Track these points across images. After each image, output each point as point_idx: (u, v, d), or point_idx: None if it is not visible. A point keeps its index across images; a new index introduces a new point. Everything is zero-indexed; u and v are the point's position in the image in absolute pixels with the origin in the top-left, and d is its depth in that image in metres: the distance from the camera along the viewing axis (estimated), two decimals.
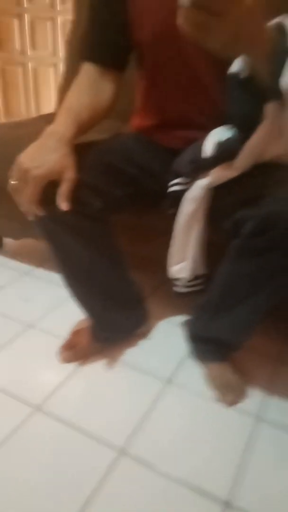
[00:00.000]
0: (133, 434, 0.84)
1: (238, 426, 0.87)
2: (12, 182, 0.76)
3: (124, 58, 0.89)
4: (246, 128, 0.81)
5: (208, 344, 0.98)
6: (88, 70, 0.87)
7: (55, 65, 2.81)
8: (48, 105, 2.86)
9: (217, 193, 0.84)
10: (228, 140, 0.81)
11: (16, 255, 1.53)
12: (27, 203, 0.75)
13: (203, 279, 1.00)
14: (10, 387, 0.94)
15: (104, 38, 0.87)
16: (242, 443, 0.84)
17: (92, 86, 0.85)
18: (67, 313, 1.19)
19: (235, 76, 0.80)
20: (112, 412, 0.89)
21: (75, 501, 0.71)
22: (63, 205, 0.74)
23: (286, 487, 0.76)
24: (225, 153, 0.80)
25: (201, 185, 0.83)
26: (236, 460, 0.80)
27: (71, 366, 1.01)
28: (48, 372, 0.99)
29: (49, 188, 0.74)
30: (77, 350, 1.04)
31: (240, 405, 0.93)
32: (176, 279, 0.99)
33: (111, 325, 1.02)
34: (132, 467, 0.78)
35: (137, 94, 0.98)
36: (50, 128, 0.79)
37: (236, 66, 0.83)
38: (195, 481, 0.76)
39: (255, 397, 0.95)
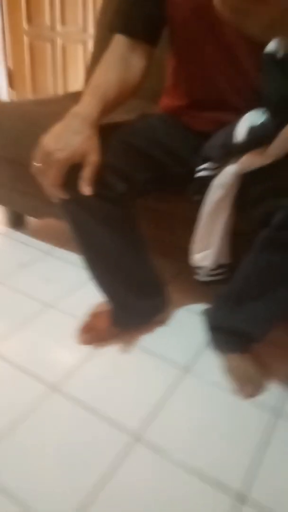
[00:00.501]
0: (148, 420, 0.84)
1: (254, 419, 0.86)
2: (35, 165, 0.74)
3: (157, 32, 0.85)
4: (282, 112, 0.77)
5: (228, 335, 0.96)
6: (118, 43, 0.83)
7: (84, 43, 2.75)
8: (76, 83, 2.82)
9: (246, 181, 0.81)
10: (262, 124, 0.77)
11: (38, 234, 1.53)
12: (50, 186, 0.73)
13: (226, 269, 0.97)
14: (28, 365, 0.95)
15: (138, 10, 0.83)
16: (258, 436, 0.82)
17: (122, 61, 0.82)
18: (86, 295, 1.19)
19: (271, 55, 0.76)
20: (127, 396, 0.89)
21: (88, 482, 0.72)
22: (86, 189, 0.72)
23: None
24: (258, 138, 0.76)
25: (230, 171, 0.80)
26: (251, 452, 0.79)
27: (89, 348, 1.01)
28: (66, 353, 1.00)
29: (72, 171, 0.72)
30: (95, 333, 1.04)
31: (258, 398, 0.91)
32: (199, 267, 0.97)
33: (130, 310, 1.01)
34: (146, 453, 0.77)
35: (168, 73, 0.95)
36: (75, 109, 0.77)
37: (272, 45, 0.78)
38: (209, 471, 0.75)
39: (273, 391, 0.93)
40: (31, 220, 1.61)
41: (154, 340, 1.06)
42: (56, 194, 0.75)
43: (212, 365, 0.99)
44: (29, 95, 2.99)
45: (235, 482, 0.74)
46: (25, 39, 2.90)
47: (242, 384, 0.92)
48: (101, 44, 1.41)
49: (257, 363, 0.97)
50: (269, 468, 0.76)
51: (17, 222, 1.57)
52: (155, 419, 0.84)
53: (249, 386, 0.92)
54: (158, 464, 0.76)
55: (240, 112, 0.80)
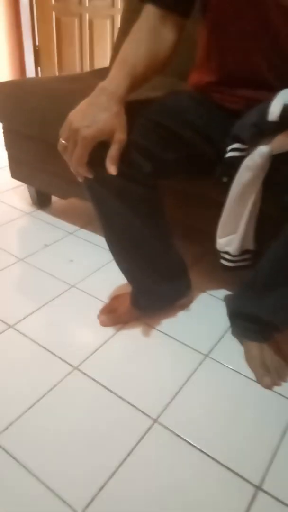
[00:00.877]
0: (167, 404, 0.84)
1: (274, 409, 0.84)
2: (61, 142, 0.73)
3: (189, 2, 0.80)
4: None
5: (250, 322, 0.94)
6: (148, 14, 0.79)
7: (112, 18, 2.68)
8: (103, 60, 2.76)
9: (278, 163, 0.77)
10: None
11: (62, 214, 1.53)
12: (76, 164, 0.72)
13: (252, 255, 0.94)
14: (50, 345, 0.96)
15: None
16: (277, 427, 0.81)
17: (152, 33, 0.78)
18: (109, 276, 1.19)
19: None
20: (146, 380, 0.89)
21: (106, 464, 0.73)
22: (112, 168, 0.70)
23: None
24: None
25: (262, 152, 0.76)
26: (270, 443, 0.78)
27: (110, 330, 1.02)
28: (87, 334, 1.00)
29: (98, 150, 0.70)
30: (116, 315, 1.03)
31: (278, 388, 0.89)
32: (224, 252, 0.95)
33: (152, 293, 1.00)
34: (164, 438, 0.77)
35: (198, 47, 0.90)
36: (102, 84, 0.74)
37: None
38: (224, 457, 0.74)
39: None
40: (56, 200, 1.61)
41: (175, 324, 1.05)
42: (81, 172, 0.73)
43: (233, 352, 0.97)
44: (55, 72, 2.96)
45: (250, 470, 0.73)
46: (53, 15, 2.85)
47: (262, 373, 0.91)
48: (129, 18, 1.36)
49: (278, 352, 0.95)
50: (285, 458, 0.75)
51: (42, 202, 1.58)
52: (174, 403, 0.84)
53: (269, 376, 0.90)
54: (176, 448, 0.76)
55: (274, 90, 0.75)
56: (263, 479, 0.72)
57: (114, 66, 0.76)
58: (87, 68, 2.85)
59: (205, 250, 1.28)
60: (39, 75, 3.03)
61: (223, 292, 1.16)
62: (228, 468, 0.73)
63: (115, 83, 0.73)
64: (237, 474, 0.72)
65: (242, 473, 0.72)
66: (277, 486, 0.71)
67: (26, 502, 0.66)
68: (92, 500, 0.67)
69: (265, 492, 0.70)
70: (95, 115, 0.69)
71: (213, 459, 0.74)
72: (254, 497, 0.69)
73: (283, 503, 0.68)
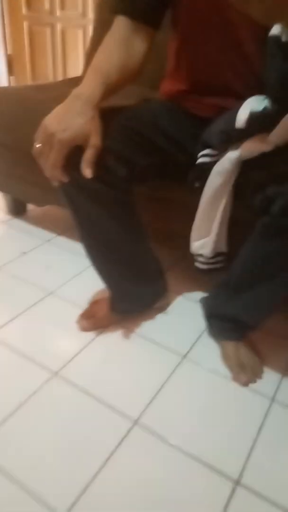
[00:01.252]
0: (147, 405, 0.85)
1: (250, 406, 0.87)
2: (36, 146, 0.74)
3: (159, 14, 0.83)
4: (283, 99, 0.76)
5: (225, 323, 0.97)
6: (120, 25, 0.81)
7: (84, 27, 2.71)
8: (76, 69, 2.78)
9: (246, 167, 0.81)
10: (263, 111, 0.77)
11: (39, 222, 1.53)
12: (51, 168, 0.73)
13: (225, 257, 0.97)
14: (29, 351, 0.96)
15: None
16: (253, 423, 0.83)
17: (123, 43, 0.80)
18: (87, 282, 1.19)
19: (276, 38, 0.75)
20: (126, 382, 0.90)
21: (87, 465, 0.73)
22: (87, 172, 0.72)
23: None
24: (259, 125, 0.76)
25: (231, 158, 0.79)
26: (247, 439, 0.80)
27: (89, 335, 1.02)
28: (66, 340, 1.01)
29: (73, 154, 0.72)
30: (95, 320, 1.04)
31: (254, 386, 0.92)
32: (198, 255, 0.97)
33: (129, 297, 1.02)
34: (144, 438, 0.78)
35: (169, 57, 0.93)
36: (77, 90, 0.76)
37: (277, 29, 0.78)
38: (204, 455, 0.76)
39: (270, 379, 0.94)
40: (32, 208, 1.61)
41: (153, 327, 1.07)
42: (56, 176, 0.75)
43: (210, 352, 1.00)
44: (28, 81, 2.95)
45: (228, 466, 0.75)
46: (25, 25, 2.86)
47: (237, 371, 0.93)
48: (101, 28, 1.39)
49: (255, 351, 0.98)
50: (265, 455, 0.77)
51: (17, 209, 1.57)
52: (154, 404, 0.85)
53: (244, 374, 0.93)
54: (156, 448, 0.77)
55: (241, 98, 0.79)
56: (241, 474, 0.74)
57: (88, 73, 0.79)
58: (60, 77, 2.87)
59: (180, 254, 1.31)
60: (12, 84, 3.02)
61: (199, 294, 1.19)
62: (208, 465, 0.75)
63: (89, 90, 0.74)
64: (216, 470, 0.74)
65: (221, 469, 0.74)
66: (255, 480, 0.73)
67: (8, 507, 0.66)
68: (75, 502, 0.67)
69: (244, 486, 0.72)
70: (71, 120, 0.71)
71: (193, 456, 0.76)
72: (233, 492, 0.71)
73: (261, 496, 0.71)
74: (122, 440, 0.78)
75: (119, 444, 0.77)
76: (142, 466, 0.74)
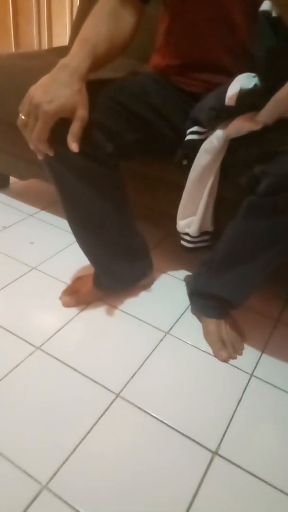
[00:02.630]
0: (129, 379, 0.86)
1: (230, 381, 0.90)
2: (21, 117, 0.72)
3: None
4: (272, 77, 0.76)
5: (208, 300, 0.98)
6: None
7: None
8: (62, 38, 2.68)
9: (234, 146, 0.80)
10: (253, 88, 0.76)
11: (22, 196, 1.50)
12: (36, 141, 0.71)
13: (211, 236, 0.98)
14: (12, 326, 0.95)
15: None
16: (233, 397, 0.86)
17: (112, 15, 0.78)
18: (71, 258, 1.19)
19: (266, 13, 0.74)
20: (110, 357, 0.91)
21: (69, 437, 0.74)
22: (73, 145, 0.70)
23: (269, 439, 0.79)
24: (248, 102, 0.75)
25: (219, 135, 0.79)
26: (226, 412, 0.83)
27: (72, 311, 1.02)
28: (49, 315, 1.01)
29: (59, 127, 0.70)
30: (78, 296, 1.04)
31: (234, 362, 0.94)
32: (184, 233, 0.98)
33: (114, 274, 1.02)
34: (126, 410, 0.80)
35: (159, 32, 0.91)
36: (64, 60, 0.73)
37: (267, 5, 0.76)
38: (183, 426, 0.79)
39: (250, 355, 0.96)
40: (15, 181, 1.57)
41: (137, 304, 1.07)
42: (41, 150, 0.73)
43: (192, 329, 1.01)
44: (11, 48, 2.84)
45: (207, 437, 0.77)
46: None
47: (218, 348, 0.95)
48: None
49: (234, 328, 1.00)
50: (240, 425, 0.80)
51: (0, 182, 1.53)
52: (136, 378, 0.87)
53: (225, 350, 0.95)
54: (137, 420, 0.79)
55: (232, 75, 0.78)
56: (219, 445, 0.76)
57: (75, 43, 0.76)
58: (45, 46, 2.76)
59: (166, 232, 1.31)
60: None
61: (183, 273, 1.20)
62: (187, 436, 0.77)
63: (76, 60, 0.72)
64: (195, 441, 0.77)
65: (199, 440, 0.77)
66: (232, 451, 0.76)
67: None
68: (57, 472, 0.69)
69: (221, 456, 0.75)
70: (57, 91, 0.68)
71: (172, 428, 0.78)
72: (211, 461, 0.74)
73: (237, 465, 0.74)
74: (104, 412, 0.79)
75: (101, 416, 0.78)
76: (123, 437, 0.76)
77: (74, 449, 0.73)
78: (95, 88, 0.76)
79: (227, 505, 0.68)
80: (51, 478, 0.68)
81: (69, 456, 0.71)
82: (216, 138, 0.79)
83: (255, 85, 0.77)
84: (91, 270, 1.02)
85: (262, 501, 0.69)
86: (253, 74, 0.78)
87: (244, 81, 0.77)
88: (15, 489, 0.66)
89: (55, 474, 0.69)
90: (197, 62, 0.86)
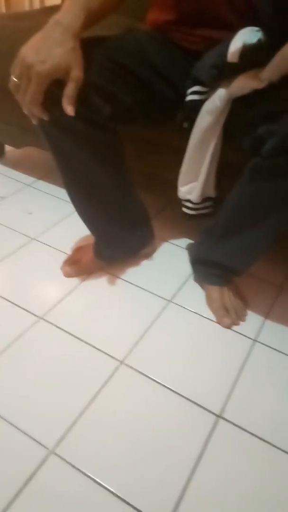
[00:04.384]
0: (132, 347, 0.87)
1: (233, 346, 0.90)
2: (13, 79, 0.68)
3: None
4: (277, 31, 0.71)
5: (211, 268, 0.97)
6: None
7: None
8: None
9: (237, 106, 0.77)
10: (257, 44, 0.72)
11: (18, 165, 1.47)
12: (29, 104, 0.68)
13: (213, 202, 0.96)
14: (14, 297, 0.95)
15: None
16: (236, 362, 0.86)
17: None
18: (71, 228, 1.17)
19: None
20: (113, 325, 0.91)
21: (77, 403, 0.75)
22: (68, 108, 0.67)
23: (273, 402, 0.80)
24: (253, 58, 0.71)
25: (221, 95, 0.75)
26: (229, 377, 0.83)
27: (73, 281, 1.02)
28: (51, 285, 1.00)
29: (54, 88, 0.67)
30: (79, 266, 1.03)
31: (237, 328, 0.94)
32: (185, 200, 0.96)
33: (115, 243, 1.00)
34: (130, 376, 0.81)
35: None
36: (56, 17, 0.69)
37: None
38: (189, 393, 0.79)
39: (253, 321, 0.96)
40: (10, 150, 1.53)
41: (138, 273, 1.07)
42: (35, 114, 0.70)
43: (195, 297, 1.01)
44: (2, 9, 2.71)
45: (211, 401, 0.78)
46: None
47: (222, 314, 0.95)
48: None
49: (237, 294, 1.00)
50: (243, 389, 0.81)
51: None
52: (139, 346, 0.87)
53: (228, 317, 0.95)
54: (141, 385, 0.80)
55: (234, 30, 0.73)
56: (223, 409, 0.78)
57: (67, 0, 0.71)
58: (37, 5, 2.63)
59: (167, 200, 1.29)
60: None
61: (185, 241, 1.18)
62: (191, 401, 0.78)
63: (69, 17, 0.68)
64: (199, 405, 0.78)
65: (203, 404, 0.78)
66: (236, 414, 0.77)
67: None
68: (63, 437, 0.70)
69: (225, 419, 0.76)
70: (50, 50, 0.65)
71: (177, 393, 0.79)
72: (215, 424, 0.75)
73: (241, 428, 0.75)
74: (109, 378, 0.80)
75: (106, 383, 0.79)
76: (128, 402, 0.77)
77: (80, 415, 0.74)
78: (90, 47, 0.72)
79: (232, 466, 0.69)
80: (58, 443, 0.69)
81: (75, 421, 0.73)
82: (219, 98, 0.76)
83: (259, 40, 0.72)
84: (92, 239, 1.01)
85: (267, 462, 0.70)
86: (257, 28, 0.73)
87: (247, 36, 0.73)
88: (23, 454, 0.67)
89: (62, 439, 0.70)
90: (196, 16, 0.81)
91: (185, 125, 0.83)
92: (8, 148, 1.52)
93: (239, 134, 0.77)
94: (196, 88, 0.78)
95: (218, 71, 0.74)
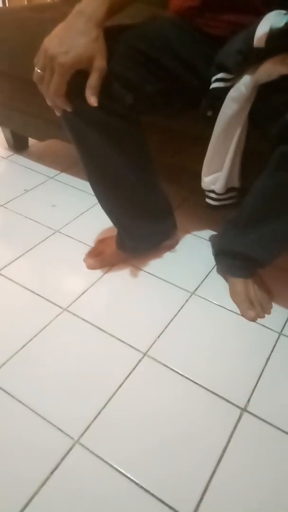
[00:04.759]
0: (156, 339, 0.86)
1: (258, 339, 0.88)
2: (37, 71, 0.68)
3: None
4: None
5: (235, 260, 0.96)
6: None
7: None
8: None
9: (264, 92, 0.75)
10: (285, 27, 0.69)
11: (41, 158, 1.48)
12: (53, 95, 0.68)
13: (237, 193, 0.94)
14: (38, 288, 0.96)
15: None
16: (261, 355, 0.85)
17: None
18: (93, 220, 1.17)
19: None
20: (136, 317, 0.91)
21: (101, 394, 0.76)
22: (92, 99, 0.67)
23: None
24: (280, 43, 0.69)
25: (247, 81, 0.73)
26: (254, 370, 0.82)
27: (97, 273, 1.02)
28: (74, 277, 1.01)
29: (77, 79, 0.66)
30: (102, 258, 1.03)
31: (262, 321, 0.93)
32: (209, 191, 0.94)
33: (137, 235, 1.00)
34: (154, 368, 0.81)
35: None
36: (78, 7, 0.68)
37: None
38: (213, 386, 0.79)
39: (279, 314, 0.95)
40: (34, 143, 1.54)
41: (161, 265, 1.06)
42: (59, 105, 0.70)
43: (219, 289, 1.00)
44: (24, 1, 2.71)
45: (235, 395, 0.77)
46: None
47: (246, 307, 0.94)
48: None
49: (262, 287, 0.98)
50: (269, 383, 0.80)
51: (18, 145, 1.51)
52: (162, 338, 0.87)
53: (253, 309, 0.93)
54: (165, 377, 0.79)
55: (260, 14, 0.71)
56: (248, 402, 0.77)
57: None
58: None
59: (190, 191, 1.27)
60: (6, 4, 2.78)
61: (208, 233, 1.17)
62: (215, 394, 0.77)
63: (92, 6, 0.67)
64: (223, 398, 0.77)
65: (228, 397, 0.77)
66: (260, 408, 0.76)
67: (25, 434, 0.69)
68: (88, 427, 0.71)
69: (250, 413, 0.75)
70: (73, 41, 0.64)
71: (201, 386, 0.79)
72: (240, 418, 0.74)
73: (266, 421, 0.74)
74: (132, 370, 0.80)
75: (129, 374, 0.79)
76: (151, 394, 0.77)
77: (104, 406, 0.74)
78: (113, 35, 0.71)
79: (256, 459, 0.68)
80: (83, 433, 0.70)
81: (99, 412, 0.73)
82: (244, 85, 0.73)
83: (286, 23, 0.70)
84: (115, 232, 1.01)
85: None
86: (284, 12, 0.71)
87: (274, 20, 0.70)
88: (48, 444, 0.68)
89: (87, 429, 0.70)
90: (221, 1, 0.79)
91: (209, 113, 0.81)
92: (31, 141, 1.53)
93: (265, 122, 0.75)
94: (221, 75, 0.76)
95: (244, 57, 0.72)
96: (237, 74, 0.75)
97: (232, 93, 0.75)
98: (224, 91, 0.77)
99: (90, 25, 0.66)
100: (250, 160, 0.88)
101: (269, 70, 0.71)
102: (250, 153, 0.87)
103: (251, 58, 0.72)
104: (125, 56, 0.73)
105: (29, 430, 0.70)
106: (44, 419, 0.71)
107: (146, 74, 0.75)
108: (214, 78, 0.77)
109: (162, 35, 0.79)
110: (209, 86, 0.79)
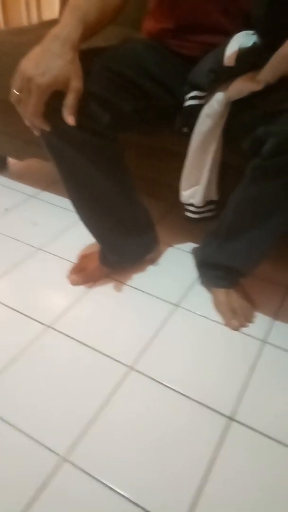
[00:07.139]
0: (141, 352, 0.87)
1: (243, 348, 0.90)
2: (14, 92, 0.70)
3: None
4: (272, 33, 0.72)
5: (217, 270, 0.97)
6: None
7: None
8: (51, 12, 2.59)
9: (236, 108, 0.78)
10: (252, 47, 0.73)
11: (21, 177, 1.48)
12: (31, 116, 0.69)
13: (216, 205, 0.96)
14: (22, 306, 0.96)
15: None
16: (246, 364, 0.86)
17: None
18: (75, 237, 1.18)
19: None
20: (121, 332, 0.92)
21: (88, 409, 0.75)
22: (69, 118, 0.68)
23: (285, 402, 0.79)
24: (249, 61, 0.72)
25: (220, 99, 0.76)
26: (240, 379, 0.83)
27: (80, 289, 1.02)
28: (58, 294, 1.01)
29: (54, 100, 0.68)
30: (86, 273, 1.04)
31: (246, 330, 0.94)
32: (188, 204, 0.96)
33: (119, 249, 1.01)
34: (140, 382, 0.81)
35: None
36: (54, 30, 0.71)
37: None
38: (198, 395, 0.79)
39: (261, 323, 0.96)
40: (14, 162, 1.55)
41: (144, 278, 1.07)
42: (37, 125, 0.71)
43: (202, 301, 1.01)
44: (0, 26, 2.76)
45: (222, 404, 0.78)
46: None
47: (229, 316, 0.95)
48: None
49: (244, 296, 1.00)
50: (255, 391, 0.81)
51: None
52: (148, 351, 0.87)
53: (236, 319, 0.95)
54: (152, 390, 0.80)
55: (229, 35, 0.75)
56: (235, 411, 0.77)
57: (66, 12, 0.73)
58: (34, 20, 2.68)
59: (170, 205, 1.29)
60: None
61: (190, 245, 1.19)
62: (202, 404, 0.78)
63: (67, 29, 0.69)
64: (211, 408, 0.77)
65: (215, 407, 0.77)
66: (248, 416, 0.76)
67: (11, 453, 0.68)
68: (76, 444, 0.70)
69: (237, 421, 0.75)
70: (49, 63, 0.66)
71: (187, 397, 0.79)
72: (227, 426, 0.74)
73: (253, 429, 0.74)
74: (118, 384, 0.80)
75: (115, 388, 0.79)
76: (138, 407, 0.77)
77: (91, 421, 0.74)
78: (88, 57, 0.73)
79: (245, 468, 0.69)
80: (70, 449, 0.69)
81: (87, 427, 0.73)
82: (217, 102, 0.76)
83: (254, 43, 0.73)
84: (97, 247, 1.01)
85: (281, 463, 0.70)
86: (252, 32, 0.75)
87: (242, 40, 0.74)
88: (35, 462, 0.67)
89: (74, 445, 0.70)
90: (192, 23, 0.83)
91: (185, 130, 0.84)
92: (11, 160, 1.54)
93: (239, 136, 0.78)
94: (194, 93, 0.79)
95: (216, 75, 0.75)
96: (210, 91, 0.78)
97: (206, 110, 0.78)
98: (198, 108, 0.80)
99: (66, 48, 0.68)
100: (227, 174, 0.90)
101: (239, 87, 0.75)
102: (227, 166, 0.89)
103: (223, 76, 0.75)
104: (101, 77, 0.75)
105: (14, 448, 0.69)
106: (30, 437, 0.71)
107: (122, 93, 0.77)
108: (187, 96, 0.80)
109: (136, 56, 0.82)
110: (184, 104, 0.81)
